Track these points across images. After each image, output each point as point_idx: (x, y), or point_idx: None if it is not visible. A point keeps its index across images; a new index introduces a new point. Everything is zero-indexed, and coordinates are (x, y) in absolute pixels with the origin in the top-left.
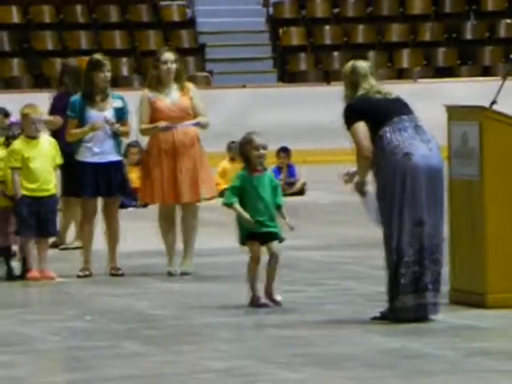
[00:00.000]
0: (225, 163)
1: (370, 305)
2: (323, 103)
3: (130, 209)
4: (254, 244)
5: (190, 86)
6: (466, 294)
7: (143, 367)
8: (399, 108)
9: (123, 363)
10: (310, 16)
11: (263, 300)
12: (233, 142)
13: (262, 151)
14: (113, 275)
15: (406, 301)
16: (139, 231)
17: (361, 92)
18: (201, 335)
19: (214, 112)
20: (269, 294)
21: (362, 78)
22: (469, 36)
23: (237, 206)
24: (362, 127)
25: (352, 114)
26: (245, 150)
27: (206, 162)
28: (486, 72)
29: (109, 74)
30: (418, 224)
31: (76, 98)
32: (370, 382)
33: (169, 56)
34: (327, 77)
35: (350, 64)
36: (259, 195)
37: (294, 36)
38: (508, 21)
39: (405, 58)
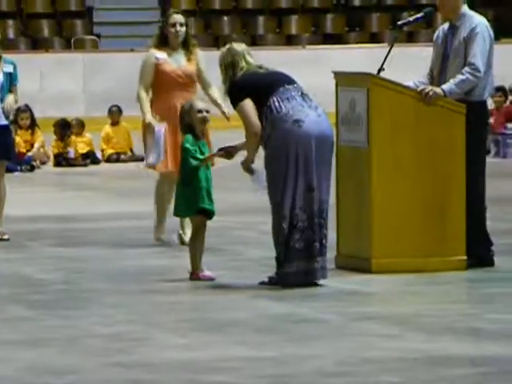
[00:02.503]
0: (107, 128)
1: (258, 270)
2: (215, 67)
3: (16, 173)
4: (199, 217)
5: (196, 50)
6: (352, 259)
7: (29, 331)
8: (283, 78)
9: (9, 327)
10: None
11: (207, 272)
12: (114, 106)
13: (205, 114)
14: None
15: (299, 266)
16: (26, 196)
17: (240, 71)
18: (87, 300)
19: (102, 76)
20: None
21: (239, 56)
22: (357, 2)
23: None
24: (248, 104)
25: (237, 92)
26: (188, 118)
27: None
28: (374, 39)
29: None
30: (309, 190)
31: None
32: (257, 347)
33: (178, 18)
34: (217, 42)
35: (224, 47)
36: (208, 164)
37: (183, 0)
38: None
39: (293, 25)
